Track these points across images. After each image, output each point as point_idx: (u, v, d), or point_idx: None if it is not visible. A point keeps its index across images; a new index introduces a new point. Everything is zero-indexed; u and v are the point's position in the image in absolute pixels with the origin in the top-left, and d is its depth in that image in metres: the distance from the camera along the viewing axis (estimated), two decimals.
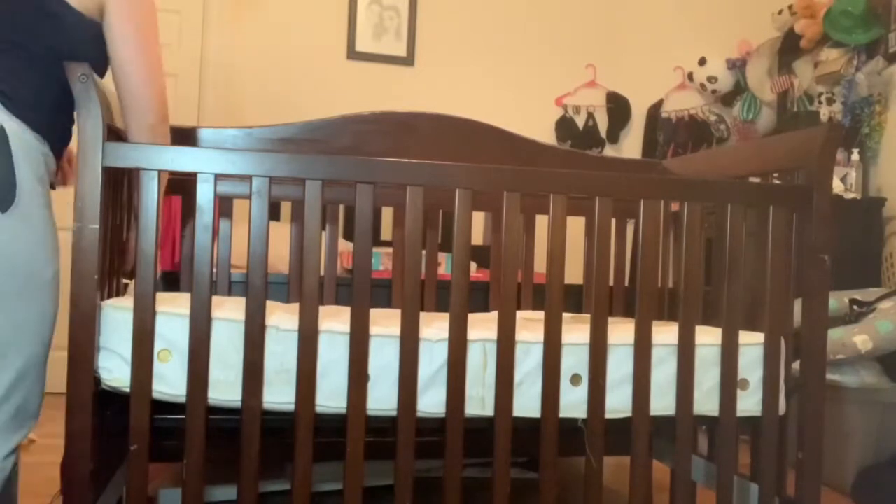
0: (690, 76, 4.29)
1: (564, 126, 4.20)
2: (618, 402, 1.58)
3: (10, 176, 1.33)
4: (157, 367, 1.44)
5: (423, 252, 2.12)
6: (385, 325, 1.53)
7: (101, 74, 1.50)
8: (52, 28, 1.43)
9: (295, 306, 1.73)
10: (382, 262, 2.36)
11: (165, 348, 1.44)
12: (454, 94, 4.08)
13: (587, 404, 1.56)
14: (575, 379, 1.57)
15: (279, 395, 1.47)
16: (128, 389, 1.42)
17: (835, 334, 2.52)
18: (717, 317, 1.80)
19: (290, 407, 1.47)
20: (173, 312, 1.46)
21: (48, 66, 1.44)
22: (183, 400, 1.44)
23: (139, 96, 1.52)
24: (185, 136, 1.98)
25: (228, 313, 1.48)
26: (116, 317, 1.44)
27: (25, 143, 1.36)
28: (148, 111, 1.53)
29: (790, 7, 3.94)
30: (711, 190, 1.64)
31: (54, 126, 1.46)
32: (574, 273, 2.48)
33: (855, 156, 3.51)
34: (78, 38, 1.45)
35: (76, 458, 1.38)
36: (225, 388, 1.46)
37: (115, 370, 1.43)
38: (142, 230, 1.41)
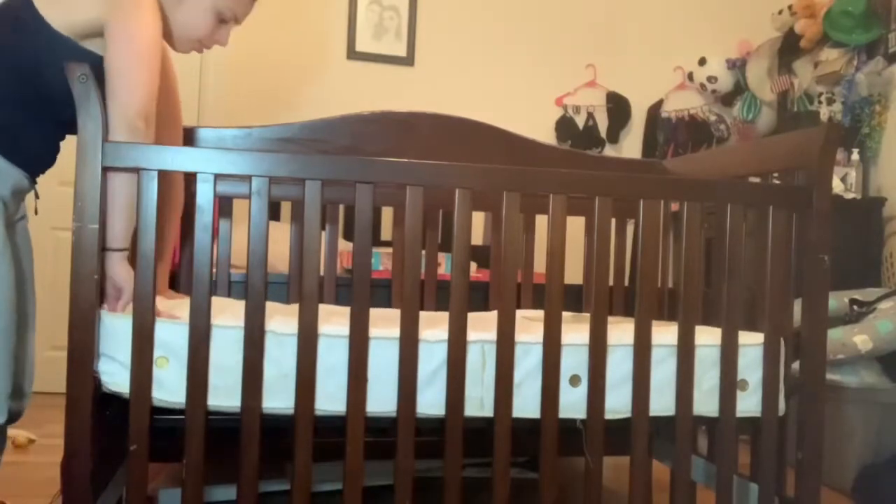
0: (690, 76, 4.28)
1: (564, 126, 4.20)
2: (617, 403, 1.58)
3: None
4: (155, 373, 1.43)
5: (423, 252, 2.12)
6: (384, 326, 1.53)
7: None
8: (19, 38, 1.44)
9: (291, 308, 1.73)
10: (382, 262, 2.35)
11: (163, 355, 1.43)
12: (454, 94, 4.08)
13: (587, 404, 1.56)
14: (574, 379, 1.57)
15: (278, 400, 1.47)
16: (128, 394, 1.42)
17: (835, 334, 2.52)
18: (716, 317, 1.80)
19: (289, 412, 1.46)
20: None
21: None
22: (181, 406, 1.43)
23: (118, 87, 1.44)
24: (184, 136, 1.97)
25: (225, 320, 1.48)
26: (113, 324, 1.44)
27: None
28: (128, 105, 1.45)
29: (790, 7, 3.93)
30: (711, 190, 1.64)
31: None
32: (574, 273, 2.48)
33: (855, 156, 3.51)
34: (46, 53, 1.46)
35: (76, 458, 1.37)
36: (223, 394, 1.45)
37: (115, 374, 1.43)
38: (142, 230, 1.41)
